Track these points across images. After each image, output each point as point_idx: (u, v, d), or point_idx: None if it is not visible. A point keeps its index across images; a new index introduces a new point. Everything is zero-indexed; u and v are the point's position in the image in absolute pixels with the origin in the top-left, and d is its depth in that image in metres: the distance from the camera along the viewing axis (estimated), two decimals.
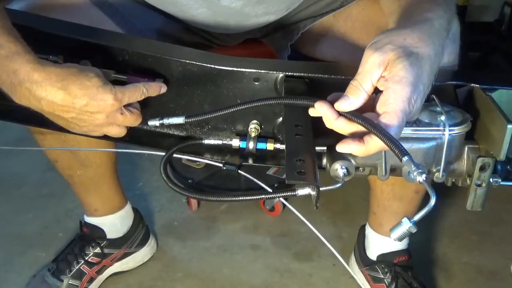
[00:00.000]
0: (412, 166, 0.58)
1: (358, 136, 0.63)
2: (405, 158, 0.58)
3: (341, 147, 0.63)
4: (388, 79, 0.62)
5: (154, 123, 0.78)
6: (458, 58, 0.86)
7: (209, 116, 0.74)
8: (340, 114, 0.64)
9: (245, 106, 0.72)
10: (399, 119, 0.61)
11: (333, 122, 0.64)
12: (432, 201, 0.57)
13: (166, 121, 0.77)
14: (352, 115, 0.63)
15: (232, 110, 0.72)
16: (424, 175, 0.58)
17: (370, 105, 0.65)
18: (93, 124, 0.75)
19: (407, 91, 0.62)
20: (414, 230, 0.59)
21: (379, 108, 0.63)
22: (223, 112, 0.73)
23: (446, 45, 0.71)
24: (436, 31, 0.68)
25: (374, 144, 0.62)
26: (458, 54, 0.86)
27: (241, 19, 1.01)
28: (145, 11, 1.03)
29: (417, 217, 0.59)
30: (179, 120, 0.75)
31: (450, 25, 0.72)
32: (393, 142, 0.59)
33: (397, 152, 0.59)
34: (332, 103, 0.64)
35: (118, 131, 0.78)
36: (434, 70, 0.66)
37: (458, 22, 0.85)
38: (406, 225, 0.60)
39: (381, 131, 0.60)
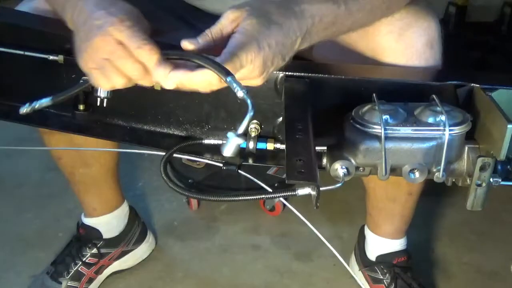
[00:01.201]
0: (234, 84, 0.61)
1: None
2: (228, 78, 0.61)
3: (171, 75, 0.64)
4: (236, 31, 0.66)
5: (25, 110, 0.73)
6: (439, 62, 0.87)
7: (75, 91, 0.73)
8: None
9: None
10: (232, 57, 0.63)
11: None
12: (251, 111, 0.62)
13: (36, 104, 0.73)
14: (180, 54, 0.66)
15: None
16: (244, 91, 0.61)
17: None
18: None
19: (245, 41, 0.65)
20: (241, 141, 0.63)
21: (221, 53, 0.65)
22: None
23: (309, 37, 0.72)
24: (300, 16, 0.70)
25: (201, 73, 0.63)
26: (439, 60, 0.87)
27: None
28: (140, 4, 1.03)
29: (240, 129, 0.62)
30: (47, 101, 0.73)
31: (328, 20, 0.73)
32: (216, 64, 0.62)
33: (221, 73, 0.61)
34: None
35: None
36: (287, 45, 0.69)
37: (438, 26, 0.86)
38: (233, 140, 0.62)
39: (205, 57, 0.63)
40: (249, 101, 0.62)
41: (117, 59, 0.66)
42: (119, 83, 0.67)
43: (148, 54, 0.65)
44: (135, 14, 0.71)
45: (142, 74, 0.66)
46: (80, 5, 0.71)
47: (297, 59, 1.09)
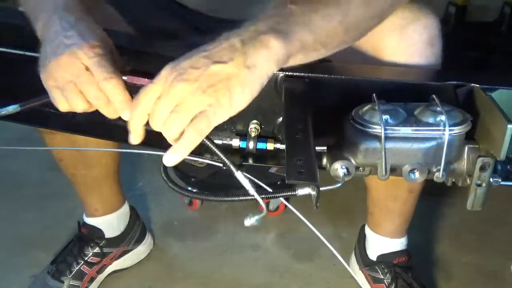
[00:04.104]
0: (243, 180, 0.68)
1: None
2: (237, 172, 0.68)
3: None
4: None
5: None
6: (439, 60, 0.87)
7: (42, 101, 0.72)
8: None
9: None
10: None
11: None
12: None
13: (3, 111, 0.73)
14: None
15: None
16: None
17: None
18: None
19: None
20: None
21: None
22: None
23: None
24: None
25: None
26: (440, 57, 0.87)
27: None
28: (155, 11, 1.03)
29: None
30: (15, 107, 0.73)
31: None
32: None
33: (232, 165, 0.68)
34: None
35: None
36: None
37: (438, 24, 0.86)
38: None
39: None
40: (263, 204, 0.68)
41: (82, 84, 0.65)
42: (80, 107, 0.67)
43: (112, 88, 0.64)
44: (108, 44, 0.69)
45: (105, 104, 0.65)
46: (54, 19, 0.69)
47: None
